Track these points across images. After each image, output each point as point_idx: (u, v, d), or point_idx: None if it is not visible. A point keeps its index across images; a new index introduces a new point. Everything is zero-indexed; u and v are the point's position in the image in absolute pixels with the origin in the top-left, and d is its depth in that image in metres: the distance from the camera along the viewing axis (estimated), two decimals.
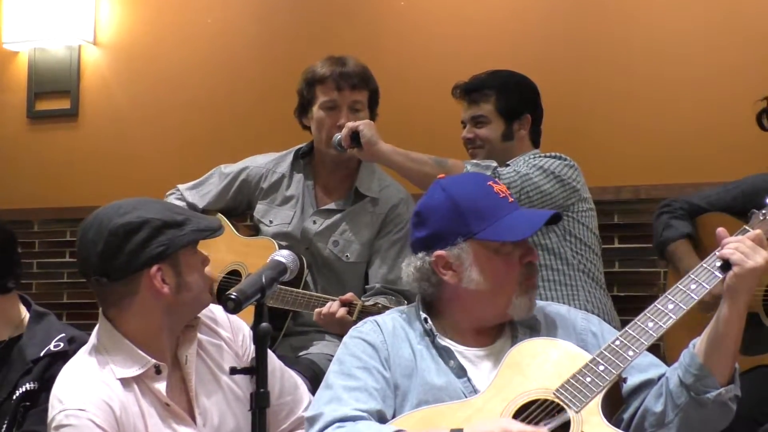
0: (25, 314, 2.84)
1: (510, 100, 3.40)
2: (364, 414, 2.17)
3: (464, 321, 2.33)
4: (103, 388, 2.25)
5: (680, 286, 2.18)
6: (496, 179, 2.39)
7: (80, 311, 4.49)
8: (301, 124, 3.46)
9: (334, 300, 3.05)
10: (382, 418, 2.19)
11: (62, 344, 2.72)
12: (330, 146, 3.31)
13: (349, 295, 3.04)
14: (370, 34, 4.40)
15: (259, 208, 3.49)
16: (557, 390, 2.13)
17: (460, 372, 2.27)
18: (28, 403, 2.64)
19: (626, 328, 2.17)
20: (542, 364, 2.20)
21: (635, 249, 3.96)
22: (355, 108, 3.34)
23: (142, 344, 2.31)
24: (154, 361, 2.30)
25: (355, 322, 2.86)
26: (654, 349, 2.28)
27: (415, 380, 2.26)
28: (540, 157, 3.30)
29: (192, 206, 3.49)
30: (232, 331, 2.46)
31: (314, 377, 2.92)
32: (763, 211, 2.23)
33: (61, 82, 4.83)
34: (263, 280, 2.13)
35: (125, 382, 2.28)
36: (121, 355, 2.30)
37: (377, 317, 2.40)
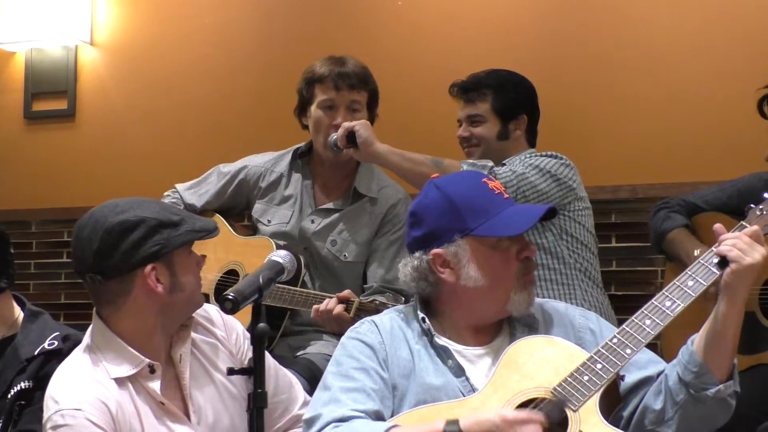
0: (20, 313, 2.84)
1: (507, 100, 3.41)
2: (362, 415, 2.16)
3: (462, 319, 2.33)
4: (98, 388, 2.26)
5: (677, 283, 2.18)
6: (491, 176, 2.39)
7: (77, 311, 4.49)
8: (300, 123, 3.46)
9: (331, 297, 3.05)
10: (380, 419, 2.19)
11: (56, 342, 2.72)
12: (327, 146, 3.31)
13: (346, 292, 3.04)
14: (367, 34, 4.40)
15: (257, 207, 3.48)
16: (555, 388, 2.13)
17: (458, 371, 2.27)
18: (23, 402, 2.64)
19: (624, 326, 2.17)
20: (540, 363, 2.20)
21: (632, 248, 3.96)
22: (353, 108, 3.34)
23: (136, 344, 2.31)
24: (147, 360, 2.30)
25: (352, 319, 2.88)
26: (651, 346, 2.28)
27: (413, 380, 2.26)
28: (536, 156, 3.30)
29: (190, 206, 3.49)
30: (225, 330, 2.46)
31: (312, 377, 2.92)
32: (761, 207, 2.23)
33: (58, 82, 4.82)
34: (261, 280, 2.13)
35: (120, 382, 2.28)
36: (115, 354, 2.31)
37: (375, 317, 2.40)
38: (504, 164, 3.27)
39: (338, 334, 2.84)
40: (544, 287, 3.26)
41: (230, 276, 3.39)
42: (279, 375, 2.50)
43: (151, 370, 2.31)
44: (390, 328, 2.34)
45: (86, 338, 2.38)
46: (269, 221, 3.44)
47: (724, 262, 2.14)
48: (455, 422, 2.06)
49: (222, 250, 3.36)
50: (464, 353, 2.30)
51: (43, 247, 4.81)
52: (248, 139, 4.36)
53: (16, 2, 4.77)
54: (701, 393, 2.13)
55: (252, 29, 4.63)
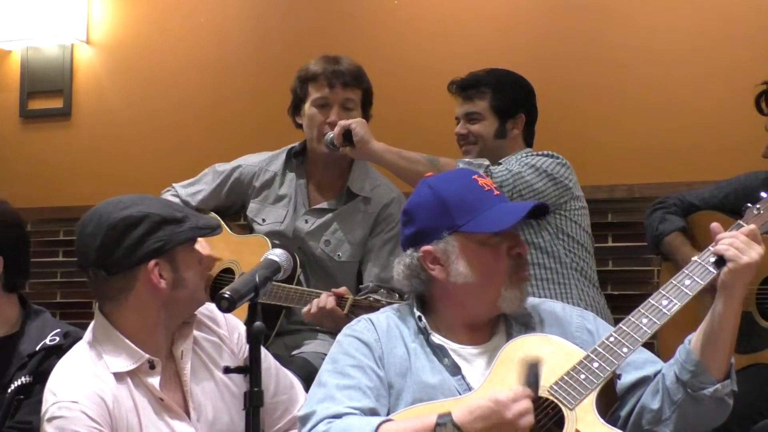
0: (21, 312, 2.87)
1: (505, 99, 3.41)
2: (357, 412, 2.17)
3: (456, 317, 2.33)
4: (96, 382, 2.27)
5: (674, 282, 2.18)
6: (483, 173, 2.39)
7: (73, 310, 4.49)
8: (294, 122, 3.46)
9: (320, 293, 3.05)
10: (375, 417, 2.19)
11: (57, 338, 2.75)
12: (321, 144, 3.31)
13: (341, 289, 3.04)
14: (363, 33, 4.40)
15: (252, 207, 3.48)
16: (551, 387, 2.13)
17: (455, 370, 2.27)
18: (22, 396, 2.66)
19: (620, 325, 2.17)
20: None
21: (629, 248, 3.96)
22: (346, 106, 3.34)
23: (137, 339, 2.32)
24: (147, 356, 2.31)
25: (346, 316, 2.88)
26: (647, 345, 2.28)
27: (409, 379, 2.26)
28: (532, 155, 3.30)
29: (186, 204, 3.48)
30: (228, 329, 2.47)
31: (308, 376, 2.90)
32: (758, 206, 2.23)
33: (53, 81, 4.81)
34: (257, 279, 2.13)
35: (119, 376, 2.29)
36: (116, 349, 2.32)
37: (371, 315, 2.40)
38: (500, 163, 3.27)
39: (333, 332, 2.84)
40: (540, 286, 3.27)
41: (226, 274, 3.39)
42: (280, 375, 2.51)
43: (151, 365, 2.32)
44: (386, 326, 2.34)
45: (87, 333, 2.39)
46: (264, 220, 3.44)
47: (721, 261, 2.14)
48: (447, 414, 2.06)
49: (218, 249, 3.36)
50: (460, 352, 2.31)
51: (38, 246, 4.78)
52: (244, 138, 4.36)
53: (11, 1, 4.76)
54: (698, 392, 2.13)
55: (248, 28, 4.63)
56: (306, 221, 3.39)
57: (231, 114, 4.58)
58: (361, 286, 3.33)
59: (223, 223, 3.44)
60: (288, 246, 3.26)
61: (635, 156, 4.00)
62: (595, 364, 2.13)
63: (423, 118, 4.18)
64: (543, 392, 2.13)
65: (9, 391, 2.68)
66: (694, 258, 2.21)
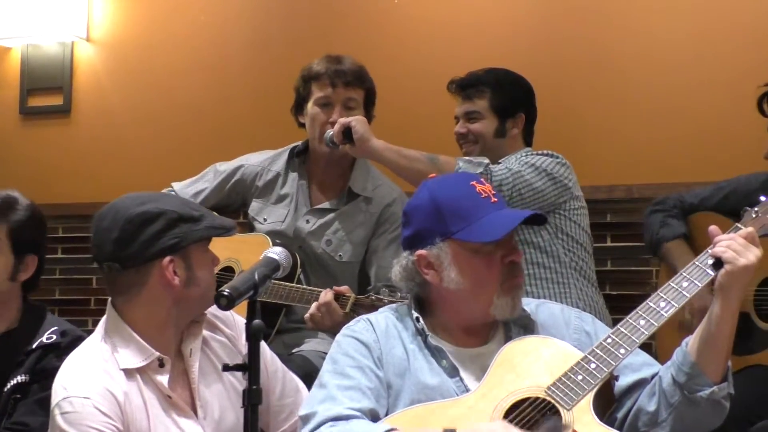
0: (21, 307, 2.85)
1: (505, 98, 3.41)
2: (357, 413, 2.17)
3: (451, 320, 2.33)
4: (106, 378, 2.28)
5: (672, 284, 2.18)
6: (482, 179, 2.38)
7: (72, 307, 4.50)
8: (297, 121, 3.47)
9: (327, 290, 3.05)
10: (375, 417, 2.19)
11: (55, 337, 2.74)
12: (322, 143, 3.31)
13: (343, 288, 3.04)
14: (363, 34, 4.40)
15: (254, 206, 3.49)
16: (549, 388, 2.13)
17: (453, 372, 2.27)
18: (18, 396, 2.65)
19: (618, 326, 2.17)
20: (534, 362, 2.20)
21: (627, 248, 3.96)
22: (348, 106, 3.34)
23: (147, 336, 2.34)
24: (157, 353, 2.33)
25: (347, 314, 2.88)
26: (645, 347, 2.28)
27: (408, 379, 2.26)
28: (532, 154, 3.30)
29: None
30: (236, 330, 2.48)
31: (307, 374, 2.91)
32: (756, 209, 2.24)
33: (53, 78, 4.81)
34: (256, 277, 2.13)
35: (128, 373, 2.31)
36: (126, 345, 2.33)
37: (370, 316, 2.40)
38: (500, 162, 3.27)
39: (332, 332, 2.84)
40: (539, 286, 3.27)
41: (226, 273, 3.39)
42: (286, 379, 2.53)
43: (161, 363, 2.33)
44: (385, 326, 2.34)
45: (99, 327, 2.40)
46: (265, 219, 3.45)
47: (718, 263, 2.14)
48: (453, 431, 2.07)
49: (218, 247, 3.35)
50: (458, 354, 2.31)
51: None
52: (244, 137, 4.36)
53: None
54: (695, 395, 2.13)
55: (248, 28, 4.63)
56: (307, 221, 3.40)
57: (231, 113, 4.58)
58: (369, 288, 3.32)
59: None
60: (289, 245, 3.27)
61: (634, 156, 4.00)
62: (593, 365, 2.13)
63: (422, 119, 4.18)
64: (541, 393, 2.14)
65: (5, 389, 2.67)
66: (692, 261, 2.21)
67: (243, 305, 2.13)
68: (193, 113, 4.64)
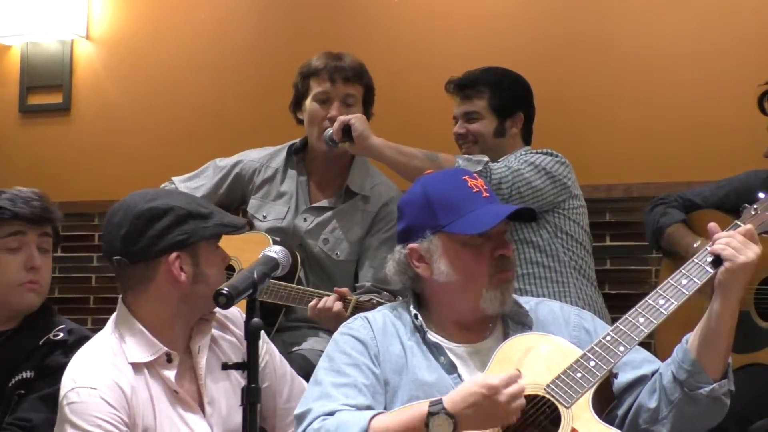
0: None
1: (504, 98, 3.40)
2: (352, 409, 2.17)
3: (445, 316, 2.34)
4: (114, 371, 2.31)
5: (671, 282, 2.18)
6: (474, 174, 2.39)
7: (71, 306, 4.49)
8: (295, 118, 3.46)
9: (328, 295, 3.05)
10: None
11: (62, 334, 2.75)
12: (321, 140, 3.30)
13: (344, 289, 3.04)
14: (363, 29, 4.40)
15: (253, 203, 3.48)
16: (548, 385, 2.13)
17: (450, 368, 2.27)
18: (22, 391, 2.66)
19: (617, 324, 2.17)
20: (533, 360, 2.20)
21: (627, 247, 3.96)
22: (347, 102, 3.33)
23: (156, 331, 2.36)
24: (165, 349, 2.35)
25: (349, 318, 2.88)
26: (645, 345, 2.28)
27: (405, 376, 2.26)
28: (532, 153, 3.30)
29: None
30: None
31: (306, 373, 2.90)
32: (755, 206, 2.24)
33: (53, 76, 4.81)
34: (255, 275, 2.13)
35: (136, 367, 2.34)
36: (135, 340, 2.36)
37: (367, 313, 2.41)
38: (499, 161, 3.27)
39: (332, 330, 2.84)
40: (538, 285, 3.27)
41: (227, 271, 3.38)
42: (294, 382, 2.55)
43: (169, 359, 2.36)
44: (382, 324, 2.35)
45: (110, 323, 2.43)
46: (264, 217, 3.44)
47: (718, 260, 2.14)
48: (438, 402, 2.07)
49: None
50: (456, 350, 2.31)
51: None
52: (244, 134, 4.36)
53: None
54: (695, 392, 2.13)
55: (248, 24, 4.63)
56: (305, 219, 3.39)
57: (230, 110, 4.58)
58: (356, 285, 3.33)
59: None
60: (289, 243, 3.27)
61: (633, 156, 4.01)
62: (592, 363, 2.13)
63: (422, 115, 4.18)
64: (540, 390, 2.14)
65: (10, 385, 2.68)
66: (697, 246, 2.21)
67: (242, 303, 2.13)
68: (193, 111, 4.64)
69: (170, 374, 2.35)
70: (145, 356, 2.34)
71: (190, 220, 2.36)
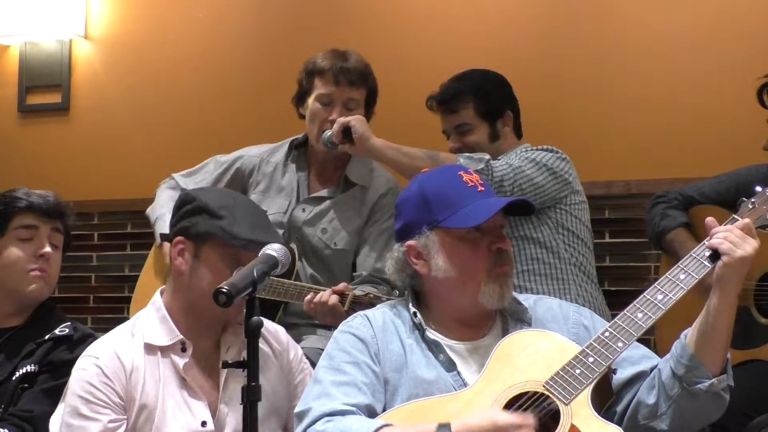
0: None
1: (489, 102, 3.36)
2: (353, 408, 2.17)
3: (444, 313, 2.35)
4: (121, 346, 2.43)
5: (669, 277, 2.18)
6: (470, 169, 2.40)
7: (71, 305, 4.49)
8: (297, 112, 3.46)
9: (324, 290, 3.05)
10: (371, 413, 2.20)
11: (67, 330, 2.80)
12: (320, 141, 3.31)
13: (341, 286, 3.04)
14: (361, 27, 4.40)
15: (253, 198, 3.47)
16: (547, 382, 2.13)
17: (450, 366, 2.27)
18: (26, 385, 2.68)
19: (615, 320, 2.17)
20: (532, 356, 2.20)
21: (626, 244, 3.96)
22: (349, 106, 3.33)
23: (176, 319, 2.46)
24: (181, 336, 2.44)
25: (346, 312, 2.88)
26: (644, 341, 2.28)
27: (405, 374, 2.26)
28: (532, 150, 3.29)
29: None
30: (284, 346, 2.58)
31: None
32: (752, 200, 2.24)
33: (52, 76, 4.81)
34: (255, 274, 2.13)
35: (150, 348, 2.44)
36: (158, 323, 2.48)
37: (367, 312, 2.41)
38: (500, 158, 3.26)
39: (331, 327, 2.84)
40: (538, 282, 3.26)
41: None
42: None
43: (183, 348, 2.44)
44: (382, 322, 2.35)
45: (150, 303, 2.56)
46: (266, 211, 3.44)
47: (716, 255, 2.14)
48: (447, 426, 2.06)
49: None
50: (455, 348, 2.31)
51: None
52: (242, 133, 4.35)
53: None
54: (694, 387, 2.13)
55: (246, 23, 4.63)
56: (303, 210, 3.40)
57: (229, 109, 4.58)
58: (354, 274, 3.33)
59: None
60: (288, 237, 3.28)
61: (632, 152, 4.00)
62: (591, 359, 2.13)
63: (422, 114, 4.17)
64: (538, 387, 2.14)
65: (13, 379, 2.69)
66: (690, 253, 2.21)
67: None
68: (192, 110, 4.64)
69: (180, 362, 2.43)
70: (162, 341, 2.44)
71: (203, 214, 2.43)
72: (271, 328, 2.59)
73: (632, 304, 2.18)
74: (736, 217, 2.21)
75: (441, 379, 2.25)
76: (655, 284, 2.19)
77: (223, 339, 2.49)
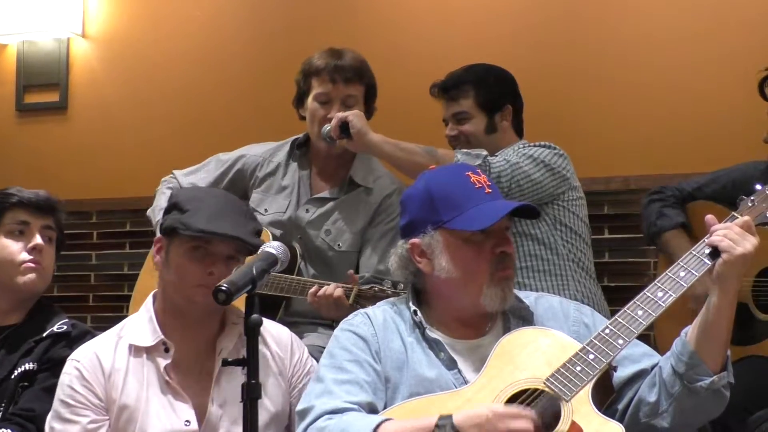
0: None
1: (489, 93, 3.38)
2: (355, 407, 2.17)
3: (446, 311, 2.35)
4: (103, 348, 2.46)
5: (669, 274, 2.18)
6: (478, 170, 2.39)
7: (69, 304, 4.49)
8: (298, 114, 3.46)
9: (328, 284, 3.05)
10: (373, 411, 2.20)
11: (65, 327, 2.82)
12: (320, 138, 3.31)
13: (349, 273, 3.04)
14: (359, 21, 4.40)
15: (254, 197, 3.48)
16: (548, 379, 2.13)
17: (451, 364, 2.28)
18: (26, 383, 2.69)
19: (616, 317, 2.17)
20: (533, 354, 2.20)
21: (625, 239, 3.96)
22: (347, 104, 3.32)
23: (160, 320, 2.48)
24: (162, 337, 2.44)
25: (351, 305, 2.88)
26: (644, 338, 2.28)
27: (406, 372, 2.27)
28: (529, 146, 3.29)
29: None
30: (289, 351, 2.57)
31: None
32: (752, 198, 2.24)
33: (50, 74, 4.81)
34: (254, 271, 2.13)
35: (135, 349, 2.46)
36: (145, 325, 2.49)
37: (368, 310, 2.41)
38: (497, 154, 3.27)
39: (334, 321, 2.84)
40: (537, 278, 3.26)
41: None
42: None
43: (166, 348, 2.44)
44: (383, 320, 2.35)
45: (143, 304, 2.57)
46: (266, 210, 3.44)
47: (715, 252, 2.14)
48: (448, 417, 2.07)
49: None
50: (456, 346, 2.31)
51: None
52: (240, 131, 4.35)
53: None
54: (695, 384, 2.13)
55: (243, 20, 4.63)
56: (307, 210, 3.39)
57: (227, 106, 4.58)
58: (357, 275, 3.33)
59: None
60: (290, 236, 3.27)
61: (631, 147, 4.00)
62: (591, 356, 2.13)
63: (420, 109, 4.17)
64: (539, 384, 2.14)
65: (13, 377, 2.70)
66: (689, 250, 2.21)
67: (241, 299, 2.13)
68: (189, 107, 4.64)
69: (162, 362, 2.43)
70: (145, 341, 2.46)
71: (173, 210, 2.47)
72: (273, 330, 2.58)
73: (632, 302, 2.18)
74: (735, 214, 2.21)
75: (442, 377, 2.25)
76: (655, 281, 2.19)
77: (218, 341, 2.48)
